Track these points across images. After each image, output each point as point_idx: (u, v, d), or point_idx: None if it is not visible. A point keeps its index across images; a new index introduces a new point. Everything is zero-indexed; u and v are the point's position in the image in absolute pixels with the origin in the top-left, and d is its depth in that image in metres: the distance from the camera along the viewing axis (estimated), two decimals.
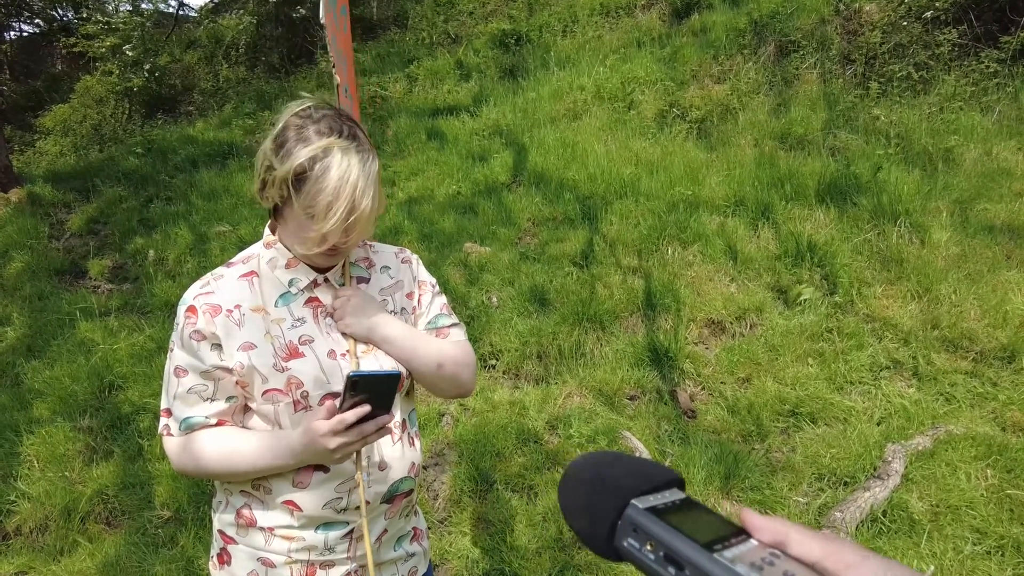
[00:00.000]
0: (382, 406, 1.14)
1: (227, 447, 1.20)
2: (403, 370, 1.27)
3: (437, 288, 1.41)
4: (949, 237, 4.07)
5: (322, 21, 1.41)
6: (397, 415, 1.29)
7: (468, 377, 1.37)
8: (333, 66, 1.43)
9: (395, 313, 1.31)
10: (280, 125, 1.15)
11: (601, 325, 3.88)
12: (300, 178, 1.10)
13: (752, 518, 0.46)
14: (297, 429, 1.17)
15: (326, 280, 1.26)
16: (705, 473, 2.88)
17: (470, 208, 5.31)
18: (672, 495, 0.49)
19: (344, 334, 1.25)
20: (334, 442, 1.11)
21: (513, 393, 3.58)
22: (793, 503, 2.79)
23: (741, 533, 0.45)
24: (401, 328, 1.29)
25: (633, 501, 0.47)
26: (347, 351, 1.24)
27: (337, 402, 1.12)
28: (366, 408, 1.11)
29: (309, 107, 1.16)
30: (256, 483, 1.23)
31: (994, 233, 4.06)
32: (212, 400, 1.21)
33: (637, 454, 3.03)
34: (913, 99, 5.38)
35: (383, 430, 1.15)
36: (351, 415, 1.10)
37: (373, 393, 1.11)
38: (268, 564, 1.24)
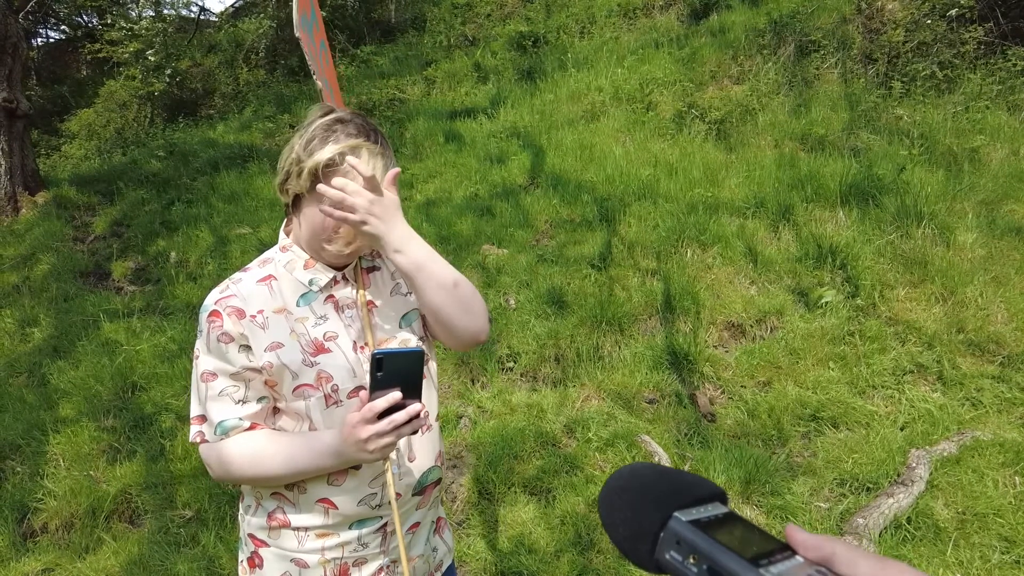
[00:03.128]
0: (411, 393, 1.11)
1: (266, 451, 1.18)
2: (425, 349, 1.24)
3: None
4: (975, 239, 4.00)
5: (297, 35, 1.42)
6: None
7: (480, 309, 1.28)
8: (314, 73, 1.45)
9: (407, 295, 1.32)
10: (311, 126, 1.19)
11: (619, 328, 3.87)
12: (329, 172, 1.15)
13: (797, 534, 0.45)
14: (334, 428, 1.17)
15: (344, 278, 1.28)
16: (725, 477, 2.86)
17: (487, 210, 5.31)
18: (715, 508, 0.49)
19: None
20: (365, 431, 1.09)
21: (530, 396, 3.58)
22: (814, 508, 2.75)
23: (786, 549, 0.45)
24: (418, 238, 1.24)
25: (676, 514, 0.46)
26: (366, 344, 1.25)
27: (366, 391, 1.11)
28: (396, 395, 1.09)
29: (338, 112, 1.21)
30: (290, 483, 1.23)
31: (1022, 235, 3.98)
32: (244, 402, 1.20)
33: (656, 458, 3.01)
34: (937, 98, 5.30)
35: (415, 421, 1.12)
36: (380, 402, 1.08)
37: (399, 375, 1.09)
38: (301, 565, 1.25)
